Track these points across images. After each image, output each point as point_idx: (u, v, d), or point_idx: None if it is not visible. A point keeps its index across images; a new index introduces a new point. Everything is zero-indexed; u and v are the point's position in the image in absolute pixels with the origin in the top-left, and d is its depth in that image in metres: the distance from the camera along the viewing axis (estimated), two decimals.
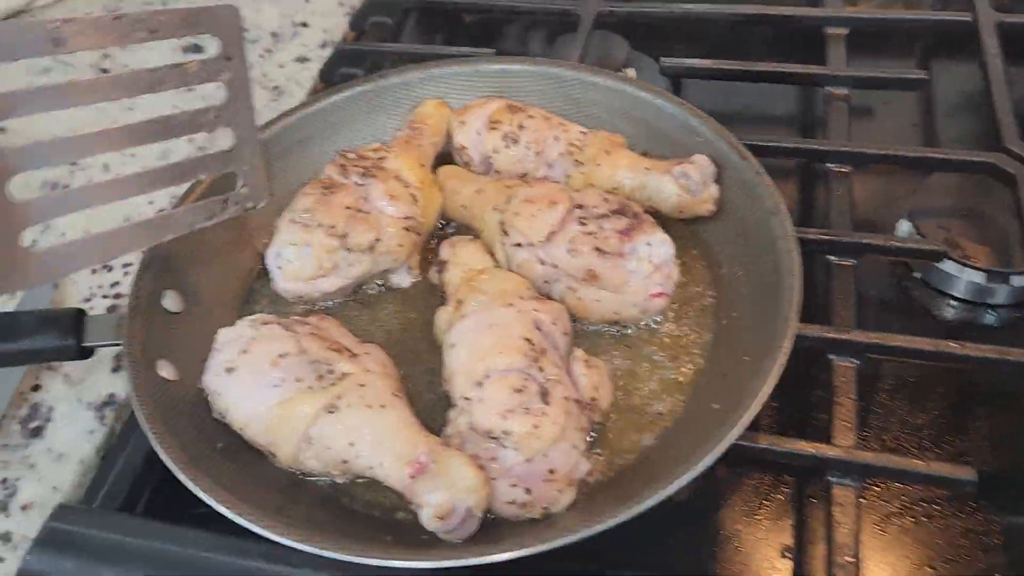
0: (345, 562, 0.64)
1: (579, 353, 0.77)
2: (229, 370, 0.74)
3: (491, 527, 0.69)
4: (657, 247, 0.80)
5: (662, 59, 1.13)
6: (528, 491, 0.68)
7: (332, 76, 1.24)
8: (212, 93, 0.76)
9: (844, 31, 1.17)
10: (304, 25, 1.37)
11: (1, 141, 0.65)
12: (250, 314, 0.85)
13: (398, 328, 0.88)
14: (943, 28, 1.16)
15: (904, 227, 1.03)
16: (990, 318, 0.98)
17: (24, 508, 0.81)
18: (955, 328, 0.98)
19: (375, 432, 0.69)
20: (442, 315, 0.81)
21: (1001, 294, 0.97)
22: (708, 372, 0.79)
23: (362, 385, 0.72)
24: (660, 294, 0.81)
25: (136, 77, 0.67)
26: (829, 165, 1.00)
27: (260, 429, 0.72)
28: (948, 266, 0.96)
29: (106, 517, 0.78)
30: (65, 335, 0.78)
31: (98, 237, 0.71)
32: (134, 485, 0.81)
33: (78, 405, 0.89)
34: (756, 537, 0.79)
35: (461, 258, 0.85)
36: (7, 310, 0.88)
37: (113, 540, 0.72)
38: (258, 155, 0.78)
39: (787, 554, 0.78)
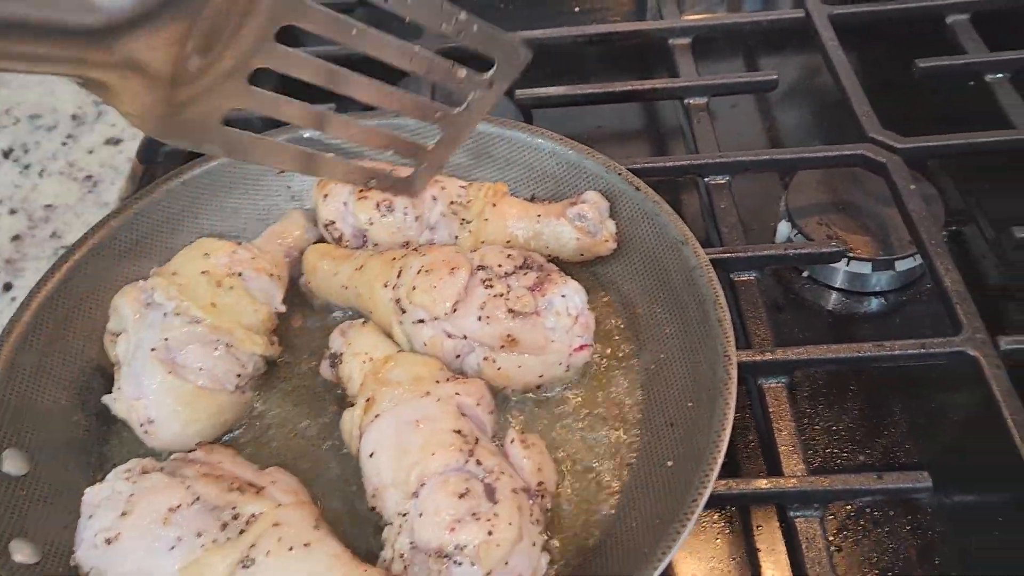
0: None
1: (513, 433, 0.69)
2: (109, 540, 0.61)
3: None
4: (572, 296, 0.74)
5: (516, 91, 1.08)
6: None
7: (154, 156, 1.10)
8: None
9: (687, 40, 1.16)
10: None
11: None
12: (116, 458, 0.71)
13: (295, 438, 0.77)
14: (780, 26, 1.17)
15: (784, 228, 1.02)
16: (878, 304, 0.99)
17: None
18: (850, 320, 0.98)
19: None
20: (350, 418, 0.71)
21: (885, 280, 0.98)
22: (651, 425, 0.74)
23: (277, 524, 0.61)
24: (583, 346, 0.75)
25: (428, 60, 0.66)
26: (707, 179, 0.98)
27: None
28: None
29: None
30: None
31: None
32: None
33: None
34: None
35: (357, 346, 0.75)
36: None
37: None
38: (438, 168, 0.74)
39: None
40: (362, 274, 0.80)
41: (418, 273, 0.75)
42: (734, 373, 0.68)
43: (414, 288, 0.74)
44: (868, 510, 0.80)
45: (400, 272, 0.76)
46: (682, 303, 0.76)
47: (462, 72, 0.70)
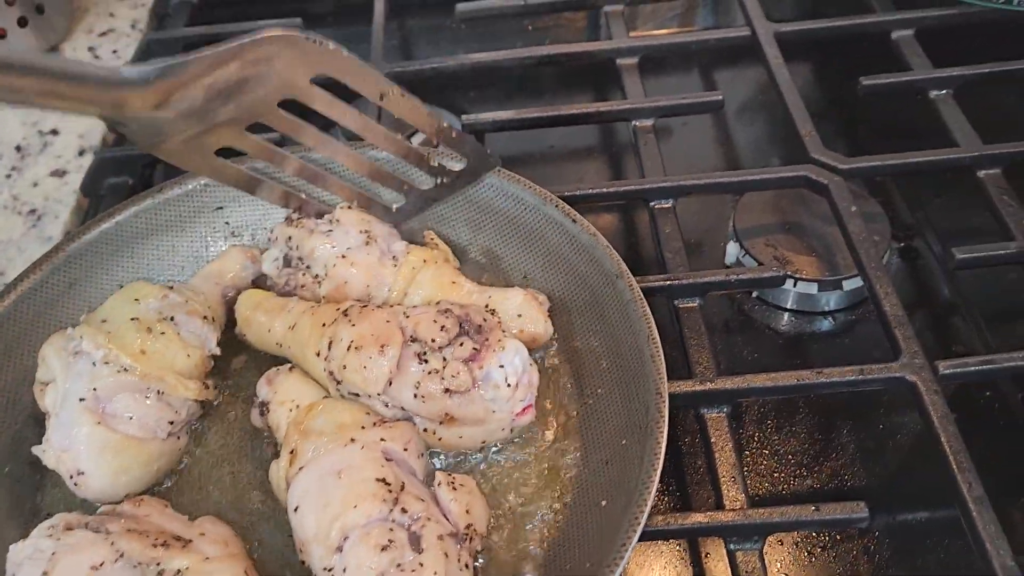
0: None
1: (441, 476, 0.68)
2: None
3: None
4: (510, 363, 0.72)
5: (463, 116, 1.07)
6: None
7: (97, 189, 1.09)
8: None
9: (635, 60, 1.16)
10: (54, 132, 1.21)
11: None
12: (50, 508, 0.71)
13: (231, 485, 0.76)
14: (726, 45, 1.17)
15: (733, 250, 1.02)
16: (827, 324, 0.99)
17: None
18: (800, 341, 0.99)
19: None
20: (276, 471, 0.70)
21: (833, 300, 0.98)
22: (588, 463, 0.73)
23: None
24: (526, 409, 0.73)
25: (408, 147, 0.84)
26: (652, 203, 0.98)
27: None
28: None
29: None
30: None
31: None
32: None
33: None
34: None
35: (284, 394, 0.74)
36: None
37: None
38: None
39: None
40: (295, 335, 0.78)
41: (348, 349, 0.72)
42: (665, 411, 0.68)
43: (344, 367, 0.72)
44: (816, 535, 0.80)
45: (331, 343, 0.74)
46: (618, 337, 0.76)
47: (435, 161, 0.85)
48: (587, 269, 0.81)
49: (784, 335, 0.99)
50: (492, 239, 0.89)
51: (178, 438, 0.76)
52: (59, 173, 1.15)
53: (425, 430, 0.73)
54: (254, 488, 0.75)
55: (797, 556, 0.79)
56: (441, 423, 0.71)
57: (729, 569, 0.74)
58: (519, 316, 0.78)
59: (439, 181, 0.86)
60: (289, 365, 0.77)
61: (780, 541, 0.80)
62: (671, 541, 0.80)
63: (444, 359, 0.71)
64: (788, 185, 0.98)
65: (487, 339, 0.72)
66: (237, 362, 0.84)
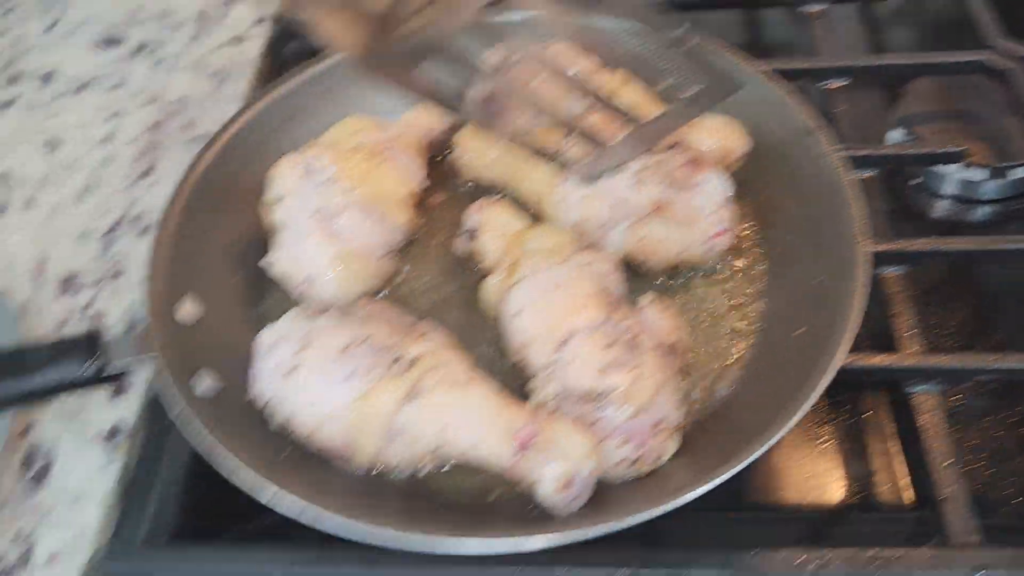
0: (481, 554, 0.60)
1: (649, 296, 0.73)
2: (289, 372, 0.67)
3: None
4: (720, 184, 0.77)
5: None
6: (639, 446, 0.65)
7: (280, 54, 1.15)
8: None
9: None
10: (233, 1, 1.27)
11: None
12: (273, 318, 0.78)
13: (439, 302, 0.82)
14: None
15: (895, 137, 1.03)
16: (986, 213, 0.99)
17: (50, 561, 0.72)
18: (957, 228, 0.99)
19: (468, 410, 0.64)
20: (492, 285, 0.75)
21: (995, 189, 0.99)
22: (779, 299, 0.77)
23: (439, 365, 0.67)
24: (724, 232, 0.78)
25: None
26: (828, 82, 0.99)
27: (337, 430, 0.66)
28: (948, 168, 0.97)
29: (158, 553, 0.71)
30: (84, 361, 0.69)
31: None
32: (176, 514, 0.74)
33: (81, 441, 0.80)
34: (826, 461, 0.78)
35: (494, 222, 0.79)
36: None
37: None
38: (613, 166, 0.77)
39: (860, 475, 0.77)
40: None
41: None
42: (867, 249, 0.71)
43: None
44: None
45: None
46: (806, 189, 0.79)
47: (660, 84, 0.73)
48: (776, 125, 0.84)
49: (942, 222, 1.00)
50: None
51: (391, 259, 0.82)
52: (237, 40, 1.21)
53: (630, 228, 0.77)
54: (458, 306, 0.81)
55: (958, 418, 0.81)
56: (650, 214, 0.76)
57: (894, 423, 0.77)
58: (716, 130, 0.82)
59: (666, 111, 0.76)
60: (499, 195, 0.83)
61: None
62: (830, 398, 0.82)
63: (664, 160, 0.76)
64: (964, 70, 0.99)
65: (699, 158, 0.77)
66: (436, 199, 0.90)
